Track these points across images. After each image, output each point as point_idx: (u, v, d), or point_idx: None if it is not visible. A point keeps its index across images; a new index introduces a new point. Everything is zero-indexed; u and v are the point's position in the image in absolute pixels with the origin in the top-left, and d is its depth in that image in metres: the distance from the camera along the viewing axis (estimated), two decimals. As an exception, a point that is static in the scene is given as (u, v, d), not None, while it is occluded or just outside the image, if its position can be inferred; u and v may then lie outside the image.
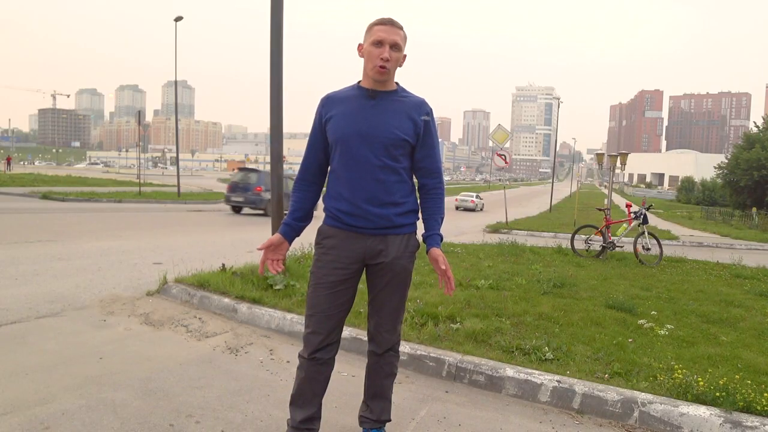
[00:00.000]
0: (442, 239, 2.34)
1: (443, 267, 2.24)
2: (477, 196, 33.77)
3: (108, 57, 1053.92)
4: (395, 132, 2.18)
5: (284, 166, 5.87)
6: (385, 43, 2.12)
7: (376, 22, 2.17)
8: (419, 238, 2.35)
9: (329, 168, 2.32)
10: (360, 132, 2.17)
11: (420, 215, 2.36)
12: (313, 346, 2.25)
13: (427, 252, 2.31)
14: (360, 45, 2.22)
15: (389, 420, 2.51)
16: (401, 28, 2.17)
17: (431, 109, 2.30)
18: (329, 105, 2.25)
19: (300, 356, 2.31)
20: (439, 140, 2.71)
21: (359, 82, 2.27)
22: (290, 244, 2.36)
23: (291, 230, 2.32)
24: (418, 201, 2.35)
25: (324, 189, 2.38)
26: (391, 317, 2.35)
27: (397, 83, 2.26)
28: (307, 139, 2.35)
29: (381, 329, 2.36)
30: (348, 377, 3.34)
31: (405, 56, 2.22)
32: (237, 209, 17.09)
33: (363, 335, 3.71)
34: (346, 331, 3.83)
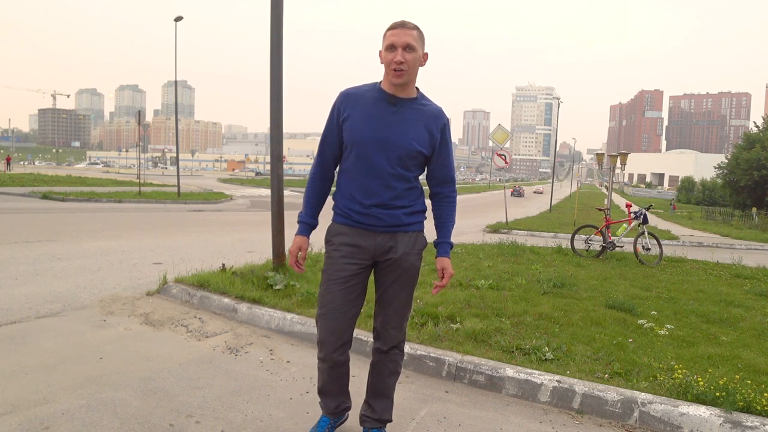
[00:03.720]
0: (452, 247, 2.42)
1: (443, 282, 2.35)
2: (541, 187, 50.55)
3: (108, 57, 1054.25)
4: (412, 143, 2.22)
5: (284, 166, 5.86)
6: (397, 46, 2.14)
7: (388, 27, 2.20)
8: (427, 238, 2.40)
9: (341, 166, 2.34)
10: (378, 139, 2.19)
11: (426, 217, 2.42)
12: (329, 347, 2.31)
13: (436, 257, 2.39)
14: (380, 52, 2.24)
15: (390, 420, 2.52)
16: (414, 28, 2.18)
17: (448, 120, 2.35)
18: (347, 103, 2.25)
19: (318, 357, 2.38)
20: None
21: (380, 83, 2.27)
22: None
23: (311, 229, 2.39)
24: (427, 203, 2.40)
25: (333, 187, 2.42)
26: (399, 314, 2.39)
27: (417, 89, 2.28)
28: (322, 133, 2.36)
29: (388, 326, 2.39)
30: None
31: (426, 54, 2.23)
32: None
33: (364, 335, 3.71)
34: (346, 331, 3.83)
